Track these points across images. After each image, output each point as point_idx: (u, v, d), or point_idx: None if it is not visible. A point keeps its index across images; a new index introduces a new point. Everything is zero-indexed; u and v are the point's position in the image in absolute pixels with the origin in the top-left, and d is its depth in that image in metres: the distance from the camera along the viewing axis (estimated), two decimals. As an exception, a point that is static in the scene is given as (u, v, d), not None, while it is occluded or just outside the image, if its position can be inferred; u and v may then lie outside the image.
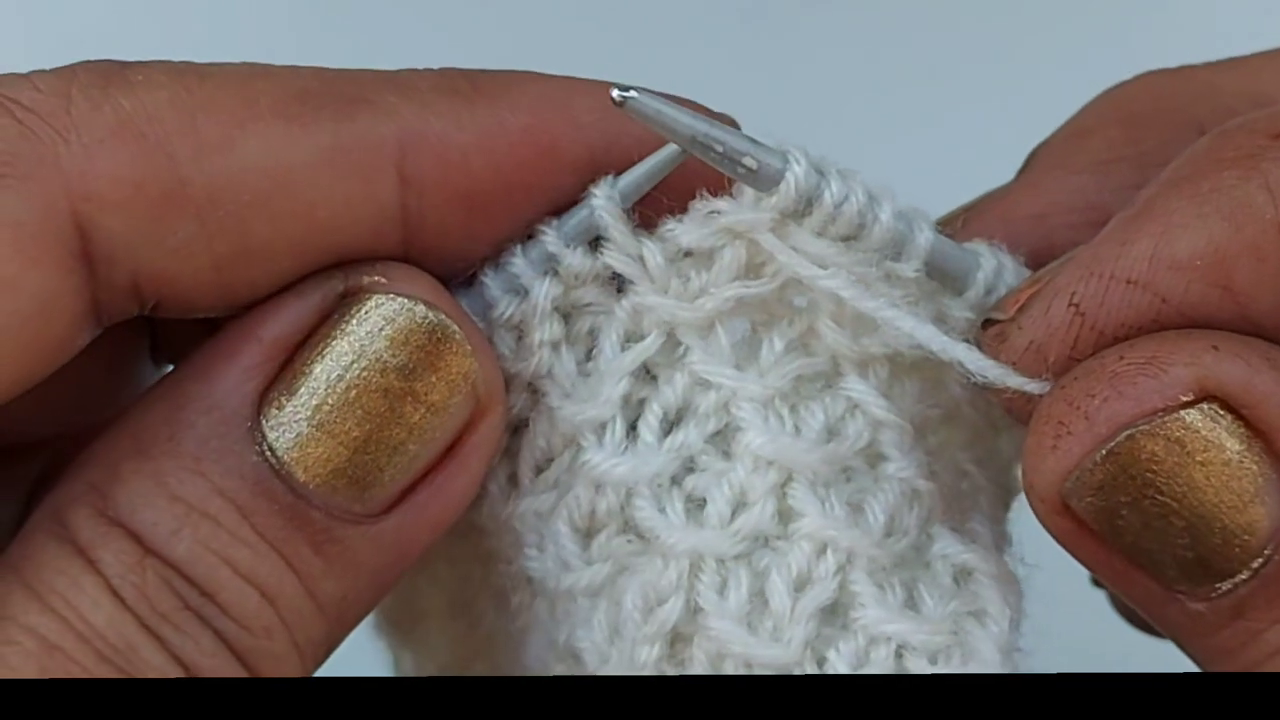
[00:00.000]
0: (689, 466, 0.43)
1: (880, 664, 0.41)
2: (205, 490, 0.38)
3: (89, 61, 0.38)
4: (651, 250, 0.42)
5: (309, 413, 0.38)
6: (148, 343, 0.45)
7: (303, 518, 0.38)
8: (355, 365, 0.39)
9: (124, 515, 0.37)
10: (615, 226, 0.42)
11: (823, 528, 0.41)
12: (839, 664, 0.41)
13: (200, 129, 0.37)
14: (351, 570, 0.40)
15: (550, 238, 0.42)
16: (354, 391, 0.39)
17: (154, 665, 0.36)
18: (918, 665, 0.41)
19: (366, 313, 0.39)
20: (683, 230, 0.42)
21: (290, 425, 0.38)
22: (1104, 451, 0.38)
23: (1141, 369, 0.38)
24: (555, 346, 0.44)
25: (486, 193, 0.40)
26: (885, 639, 0.41)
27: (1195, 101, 0.44)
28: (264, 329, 0.39)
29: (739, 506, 0.42)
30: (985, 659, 0.41)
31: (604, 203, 0.42)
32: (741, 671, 0.40)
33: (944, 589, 0.42)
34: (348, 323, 0.39)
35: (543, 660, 0.45)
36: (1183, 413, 0.38)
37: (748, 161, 0.40)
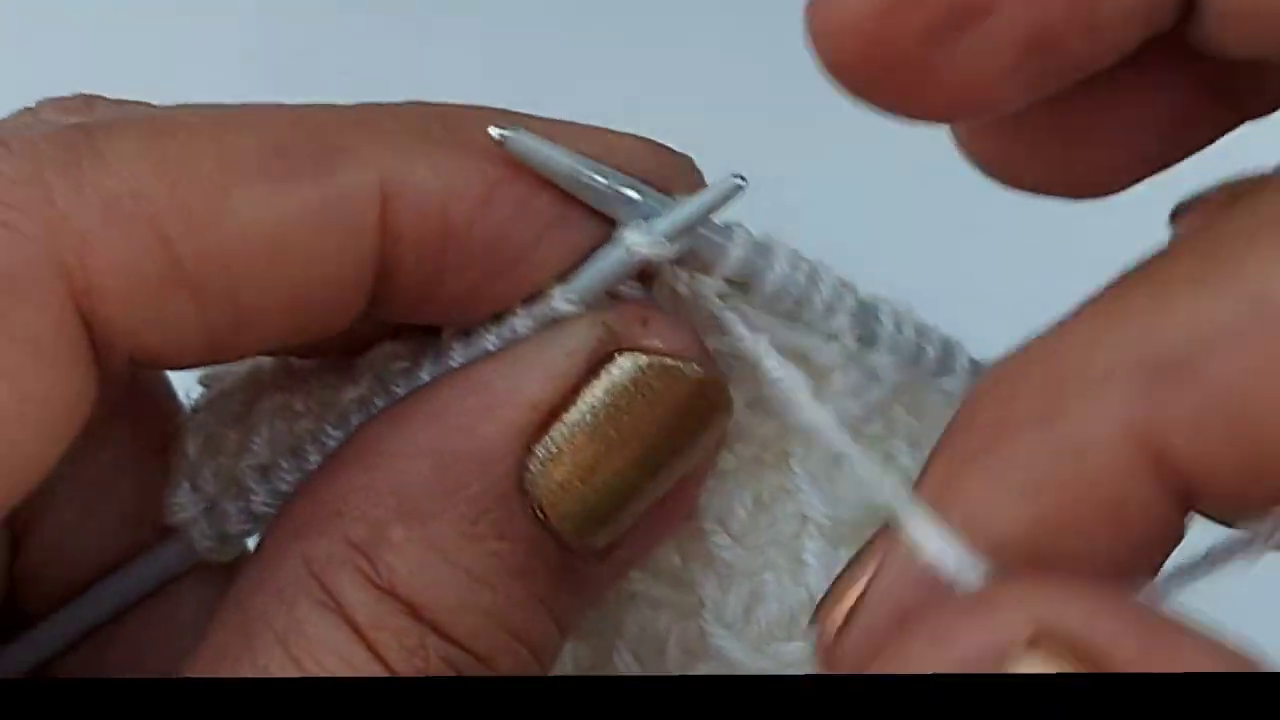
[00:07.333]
0: None
1: None
2: (483, 555, 0.37)
3: (48, 134, 0.36)
4: None
5: (583, 473, 0.38)
6: None
7: (569, 571, 0.38)
8: (635, 429, 0.38)
9: (402, 588, 0.36)
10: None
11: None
12: None
13: (185, 201, 0.36)
14: (587, 603, 0.40)
15: (557, 298, 0.39)
16: (633, 452, 0.38)
17: None
18: None
19: (643, 373, 0.38)
20: None
21: (565, 487, 0.38)
22: None
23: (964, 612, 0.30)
24: None
25: (461, 244, 0.38)
26: None
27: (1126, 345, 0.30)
28: (535, 393, 0.38)
29: None
30: None
31: (644, 240, 0.38)
32: None
33: None
34: (623, 384, 0.38)
35: None
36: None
37: (627, 199, 0.38)
